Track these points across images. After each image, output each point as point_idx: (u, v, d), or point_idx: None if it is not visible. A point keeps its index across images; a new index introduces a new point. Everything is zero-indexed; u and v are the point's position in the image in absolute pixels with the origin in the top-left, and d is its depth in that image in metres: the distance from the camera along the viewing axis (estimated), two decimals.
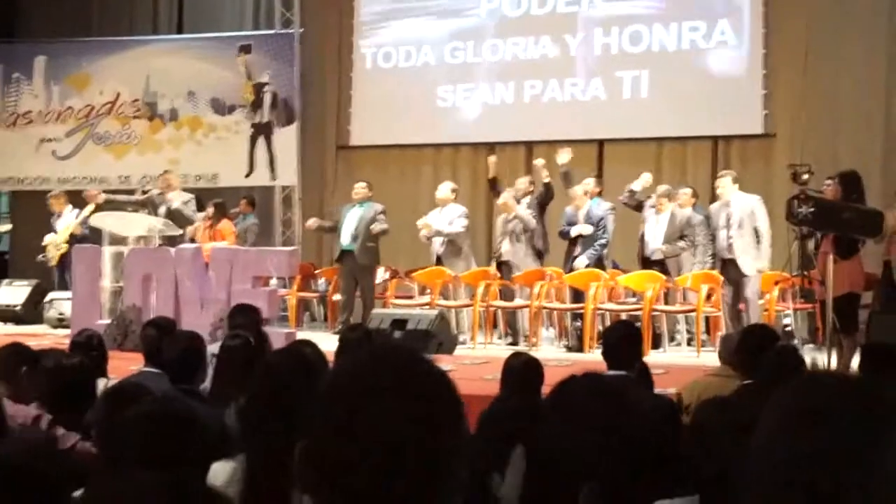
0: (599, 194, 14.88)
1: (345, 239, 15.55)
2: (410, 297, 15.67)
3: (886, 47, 15.94)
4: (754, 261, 12.94)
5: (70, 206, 17.36)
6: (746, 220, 12.97)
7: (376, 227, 15.33)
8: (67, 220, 17.11)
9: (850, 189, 11.03)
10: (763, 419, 1.94)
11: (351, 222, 15.54)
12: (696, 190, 14.98)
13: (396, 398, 1.86)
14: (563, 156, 14.84)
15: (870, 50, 15.95)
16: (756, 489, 1.90)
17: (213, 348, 7.00)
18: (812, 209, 10.33)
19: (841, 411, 1.85)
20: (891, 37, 15.92)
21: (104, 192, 16.39)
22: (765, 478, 1.88)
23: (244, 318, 8.50)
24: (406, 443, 1.83)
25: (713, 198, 15.49)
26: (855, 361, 9.53)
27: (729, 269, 13.09)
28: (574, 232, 14.40)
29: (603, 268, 14.20)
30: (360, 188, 15.89)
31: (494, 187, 15.51)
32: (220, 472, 3.95)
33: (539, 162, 15.46)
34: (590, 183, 14.87)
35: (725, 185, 13.23)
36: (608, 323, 13.71)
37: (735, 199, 13.12)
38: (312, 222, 16.38)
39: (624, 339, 7.03)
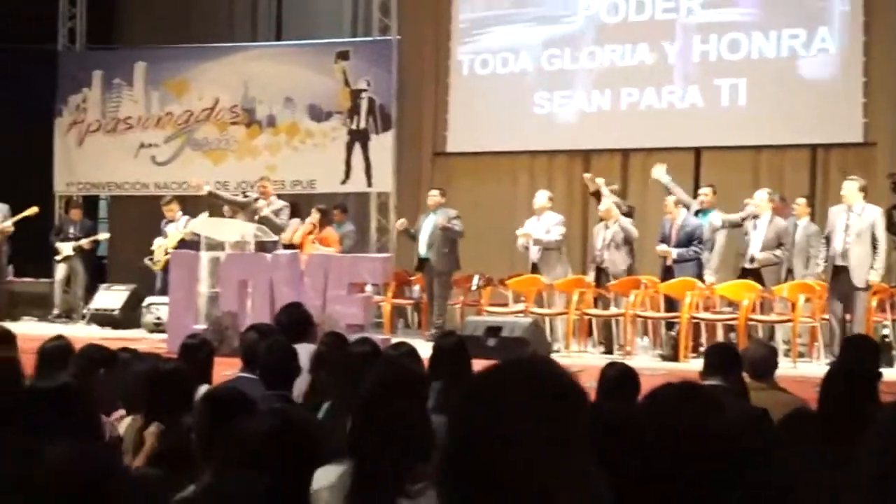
0: (710, 205, 14.78)
1: (421, 248, 15.73)
2: (505, 305, 15.65)
3: None
4: (867, 273, 12.76)
5: (181, 213, 17.62)
6: (866, 231, 12.80)
7: (451, 224, 15.44)
8: (179, 227, 17.35)
9: None
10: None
11: (426, 230, 15.69)
12: (810, 199, 14.89)
13: (536, 410, 1.86)
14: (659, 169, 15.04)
15: None
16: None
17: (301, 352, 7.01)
18: None
19: None
20: None
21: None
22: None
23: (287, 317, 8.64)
24: (544, 456, 1.83)
25: (812, 207, 15.30)
26: None
27: (841, 277, 12.91)
28: (660, 249, 14.46)
29: (701, 277, 14.10)
30: (433, 196, 16.06)
31: (599, 200, 15.47)
32: (327, 476, 4.00)
33: (587, 176, 15.51)
34: (707, 192, 14.89)
35: (850, 189, 13.04)
36: (703, 332, 13.62)
37: (858, 206, 12.95)
38: (402, 223, 16.43)
39: (728, 360, 7.01)
